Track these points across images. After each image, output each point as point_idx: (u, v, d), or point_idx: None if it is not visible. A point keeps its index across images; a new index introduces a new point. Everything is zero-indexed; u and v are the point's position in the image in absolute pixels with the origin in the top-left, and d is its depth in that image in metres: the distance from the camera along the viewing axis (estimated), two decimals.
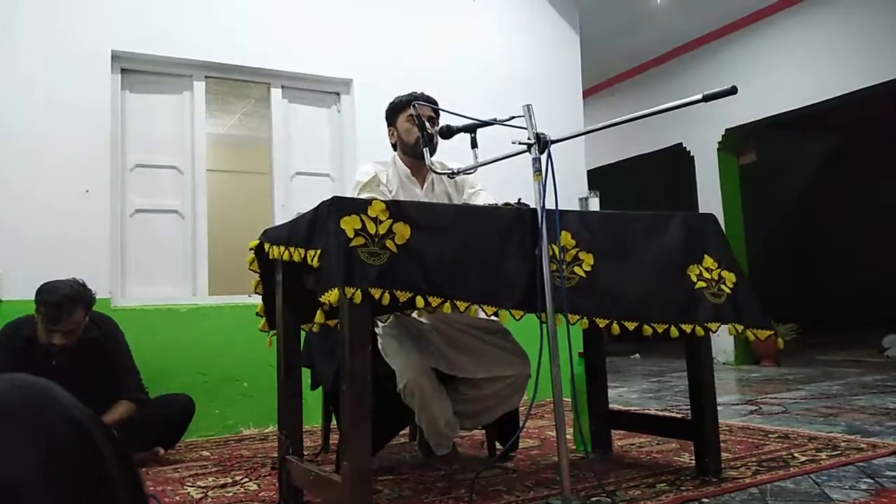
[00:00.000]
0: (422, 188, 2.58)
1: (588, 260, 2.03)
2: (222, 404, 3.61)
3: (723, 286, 2.20)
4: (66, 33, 3.52)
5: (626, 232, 2.17)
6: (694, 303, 2.15)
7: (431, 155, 2.32)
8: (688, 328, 2.13)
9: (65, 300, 2.55)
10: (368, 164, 2.59)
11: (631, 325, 2.06)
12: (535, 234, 1.94)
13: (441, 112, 2.52)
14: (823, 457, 2.44)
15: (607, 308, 2.03)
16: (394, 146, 2.66)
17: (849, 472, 2.23)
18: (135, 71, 3.79)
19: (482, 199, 2.59)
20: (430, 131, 2.35)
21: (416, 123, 2.36)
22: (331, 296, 1.71)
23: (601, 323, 2.01)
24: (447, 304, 1.83)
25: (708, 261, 2.22)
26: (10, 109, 3.36)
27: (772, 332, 2.22)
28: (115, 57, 3.66)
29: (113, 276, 3.53)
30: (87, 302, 2.66)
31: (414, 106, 2.38)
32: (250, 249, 2.26)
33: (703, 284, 2.18)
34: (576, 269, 2.00)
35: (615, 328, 2.04)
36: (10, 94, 3.37)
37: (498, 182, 2.91)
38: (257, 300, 2.33)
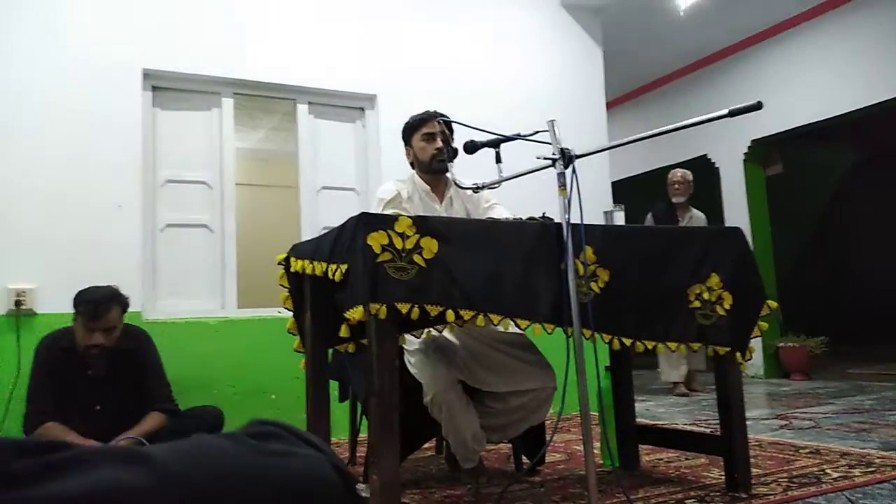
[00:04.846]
0: (441, 204, 2.61)
1: (603, 276, 2.05)
2: (251, 416, 3.58)
3: (718, 307, 2.22)
4: (98, 52, 3.61)
5: (643, 249, 2.18)
6: (682, 321, 2.18)
7: (445, 171, 2.37)
8: (672, 346, 2.16)
9: (103, 297, 2.69)
10: (390, 183, 2.65)
11: (628, 342, 2.09)
12: (560, 248, 1.95)
13: (454, 128, 2.57)
14: (857, 473, 2.40)
15: (612, 325, 2.06)
16: (411, 164, 2.71)
17: (884, 489, 2.19)
18: (165, 88, 3.88)
19: (497, 213, 2.62)
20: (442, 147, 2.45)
21: (430, 142, 2.51)
22: (355, 312, 1.73)
23: (606, 339, 2.04)
24: (480, 317, 1.84)
25: (713, 280, 2.23)
26: (43, 127, 3.46)
27: (744, 360, 2.26)
28: (147, 75, 3.76)
29: (144, 290, 3.60)
30: (122, 302, 2.77)
31: (438, 122, 2.46)
32: (279, 264, 2.29)
33: (698, 304, 2.20)
34: (592, 284, 2.01)
35: (615, 343, 2.07)
36: (44, 112, 3.47)
37: (522, 196, 2.92)
38: (286, 315, 2.36)
